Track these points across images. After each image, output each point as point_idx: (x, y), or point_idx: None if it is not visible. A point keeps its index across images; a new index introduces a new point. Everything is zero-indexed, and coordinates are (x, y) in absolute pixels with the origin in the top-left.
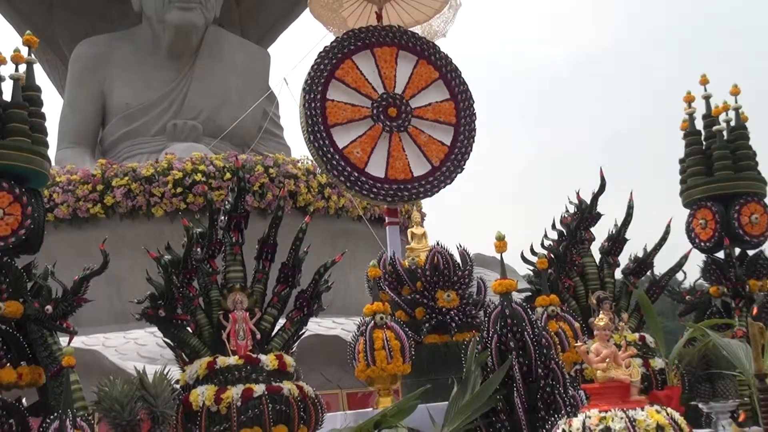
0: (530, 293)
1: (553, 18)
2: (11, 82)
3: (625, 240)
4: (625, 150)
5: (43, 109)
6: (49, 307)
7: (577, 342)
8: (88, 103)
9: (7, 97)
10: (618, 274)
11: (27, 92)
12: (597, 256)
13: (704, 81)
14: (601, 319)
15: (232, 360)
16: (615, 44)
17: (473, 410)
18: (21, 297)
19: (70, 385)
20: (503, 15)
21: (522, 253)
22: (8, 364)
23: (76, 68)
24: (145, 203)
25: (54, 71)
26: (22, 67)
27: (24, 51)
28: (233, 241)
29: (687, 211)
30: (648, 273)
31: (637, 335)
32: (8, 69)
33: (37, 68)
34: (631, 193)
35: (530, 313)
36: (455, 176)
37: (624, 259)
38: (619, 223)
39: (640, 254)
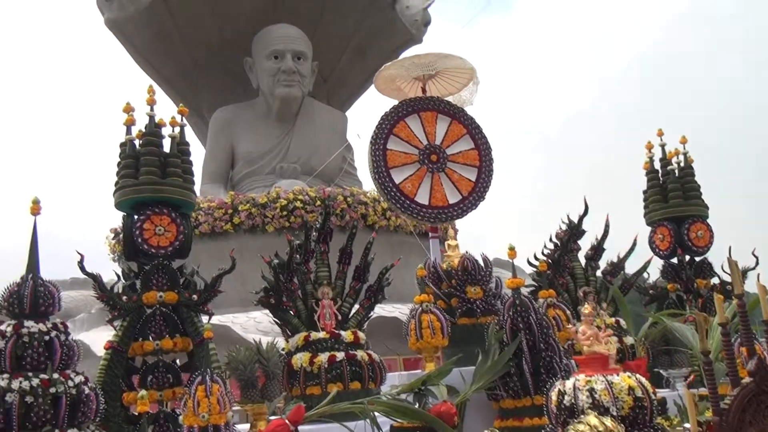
0: (534, 288)
1: (545, 85)
2: (170, 139)
3: (604, 249)
4: (604, 184)
5: (191, 158)
6: (194, 296)
7: (569, 324)
8: (221, 152)
9: (167, 149)
10: (598, 274)
11: (180, 146)
12: (583, 261)
13: (660, 133)
14: (586, 308)
15: (321, 334)
16: (599, 105)
17: (493, 373)
18: (176, 289)
19: (209, 351)
20: (513, 85)
21: (528, 259)
22: (167, 336)
23: (214, 128)
24: (261, 222)
25: (198, 130)
26: (177, 129)
27: (178, 118)
28: (322, 250)
29: (649, 229)
30: (621, 273)
31: (613, 319)
32: (167, 130)
33: (187, 128)
34: (607, 215)
35: (534, 302)
36: (479, 204)
37: (602, 263)
38: (599, 237)
39: (615, 260)
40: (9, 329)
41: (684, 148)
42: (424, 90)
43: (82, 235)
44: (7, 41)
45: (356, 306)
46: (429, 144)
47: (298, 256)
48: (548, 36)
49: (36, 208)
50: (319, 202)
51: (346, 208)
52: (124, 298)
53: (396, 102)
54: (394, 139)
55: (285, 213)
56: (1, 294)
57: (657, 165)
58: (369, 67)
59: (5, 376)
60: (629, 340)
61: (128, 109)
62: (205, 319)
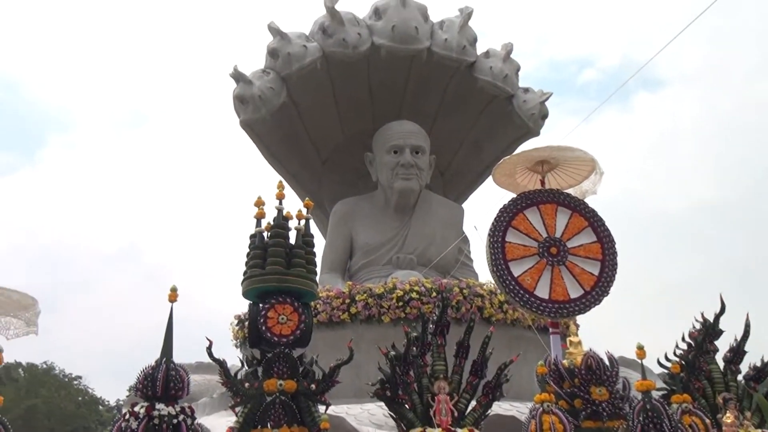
0: (666, 391)
1: (669, 176)
2: (295, 231)
3: (745, 352)
4: (740, 279)
5: (314, 249)
6: (313, 386)
7: None
8: (340, 243)
9: (292, 241)
10: (740, 379)
11: (305, 238)
12: (721, 364)
13: None
14: (728, 417)
15: (437, 431)
16: (728, 196)
17: None
18: (295, 377)
19: None
20: (635, 176)
21: (658, 359)
22: (285, 425)
23: (334, 220)
24: (377, 312)
25: (319, 221)
26: (302, 222)
27: (304, 211)
28: (438, 343)
29: None
30: (766, 379)
31: (759, 431)
32: (293, 222)
33: (310, 220)
34: (747, 314)
35: (667, 408)
36: (602, 299)
37: (744, 367)
38: (738, 338)
39: (759, 364)
40: (142, 411)
41: None
42: (543, 182)
43: (196, 318)
44: (160, 147)
45: (473, 402)
46: (549, 237)
47: (414, 348)
48: (669, 127)
49: (174, 296)
50: (435, 294)
51: (462, 300)
52: (246, 384)
53: (514, 195)
54: (512, 232)
55: (401, 304)
56: (137, 376)
57: None
58: (486, 159)
59: None
60: None
61: (259, 203)
62: (321, 409)
